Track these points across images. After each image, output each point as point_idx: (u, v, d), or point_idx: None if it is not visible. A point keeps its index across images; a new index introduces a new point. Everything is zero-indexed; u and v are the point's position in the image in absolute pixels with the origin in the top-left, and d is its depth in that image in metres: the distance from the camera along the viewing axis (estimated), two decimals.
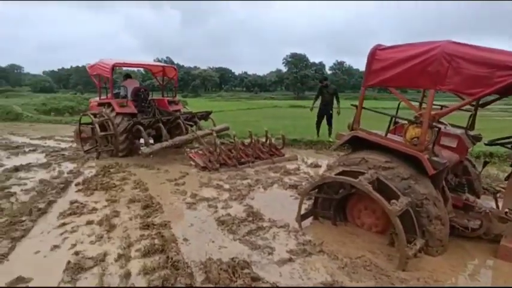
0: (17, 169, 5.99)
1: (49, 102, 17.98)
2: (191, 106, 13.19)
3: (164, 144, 6.69)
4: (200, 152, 6.72)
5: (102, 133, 6.91)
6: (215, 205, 4.39)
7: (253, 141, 6.96)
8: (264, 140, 7.23)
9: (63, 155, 7.40)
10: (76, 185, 5.21)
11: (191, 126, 7.72)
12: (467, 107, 3.57)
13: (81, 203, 4.37)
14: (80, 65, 63.72)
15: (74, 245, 3.26)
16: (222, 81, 73.81)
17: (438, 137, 3.28)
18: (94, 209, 4.20)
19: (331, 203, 3.64)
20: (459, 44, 2.91)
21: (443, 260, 3.04)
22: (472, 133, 3.79)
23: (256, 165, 6.46)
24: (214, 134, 7.02)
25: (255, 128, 8.75)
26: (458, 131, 3.74)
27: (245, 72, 79.21)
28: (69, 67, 77.20)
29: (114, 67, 7.24)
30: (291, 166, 6.46)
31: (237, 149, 6.56)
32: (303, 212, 3.75)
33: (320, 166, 6.51)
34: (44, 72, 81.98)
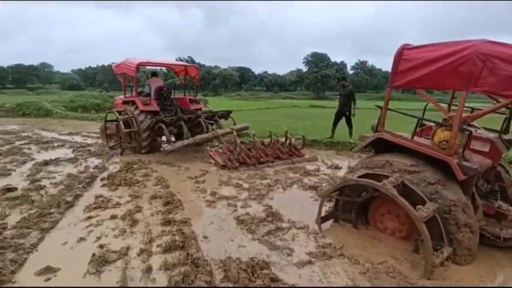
0: (46, 163, 6.29)
1: (77, 99, 18.69)
2: (211, 105, 13.33)
3: (185, 142, 6.80)
4: (220, 150, 6.78)
5: (126, 130, 7.11)
6: (234, 204, 4.42)
7: (272, 141, 6.95)
8: (283, 139, 7.19)
9: (89, 150, 7.69)
10: (101, 179, 5.40)
11: (212, 124, 7.81)
12: (502, 109, 3.39)
13: (106, 198, 4.52)
14: (106, 64, 66.07)
15: (98, 238, 3.38)
16: (242, 80, 74.07)
17: (469, 141, 3.12)
18: (118, 204, 4.34)
19: (353, 205, 3.56)
20: (495, 43, 2.76)
21: (471, 270, 2.91)
22: (506, 137, 3.59)
23: (276, 165, 6.43)
24: (235, 133, 7.05)
25: (275, 128, 8.74)
26: (491, 135, 3.55)
27: (265, 72, 79.13)
28: (95, 66, 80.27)
29: (138, 66, 7.43)
30: (310, 167, 6.39)
31: (257, 149, 6.57)
32: (323, 214, 3.69)
33: (340, 168, 6.40)
34: (72, 71, 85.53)
